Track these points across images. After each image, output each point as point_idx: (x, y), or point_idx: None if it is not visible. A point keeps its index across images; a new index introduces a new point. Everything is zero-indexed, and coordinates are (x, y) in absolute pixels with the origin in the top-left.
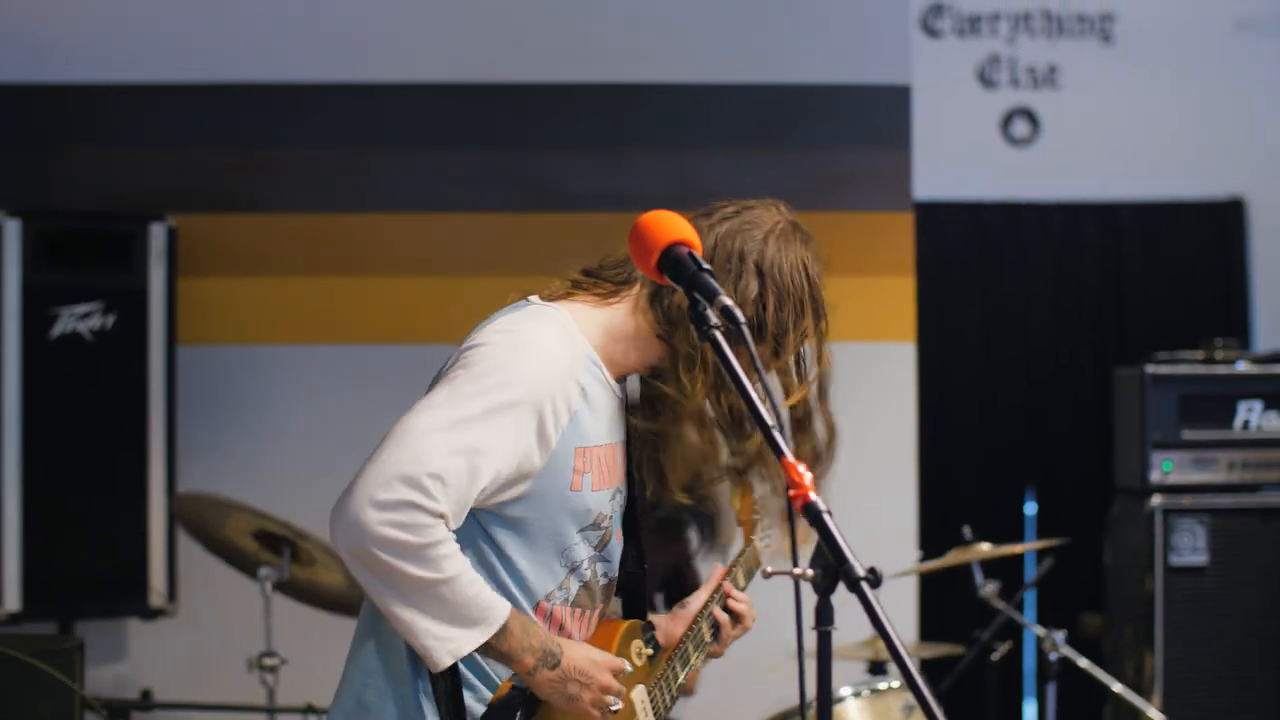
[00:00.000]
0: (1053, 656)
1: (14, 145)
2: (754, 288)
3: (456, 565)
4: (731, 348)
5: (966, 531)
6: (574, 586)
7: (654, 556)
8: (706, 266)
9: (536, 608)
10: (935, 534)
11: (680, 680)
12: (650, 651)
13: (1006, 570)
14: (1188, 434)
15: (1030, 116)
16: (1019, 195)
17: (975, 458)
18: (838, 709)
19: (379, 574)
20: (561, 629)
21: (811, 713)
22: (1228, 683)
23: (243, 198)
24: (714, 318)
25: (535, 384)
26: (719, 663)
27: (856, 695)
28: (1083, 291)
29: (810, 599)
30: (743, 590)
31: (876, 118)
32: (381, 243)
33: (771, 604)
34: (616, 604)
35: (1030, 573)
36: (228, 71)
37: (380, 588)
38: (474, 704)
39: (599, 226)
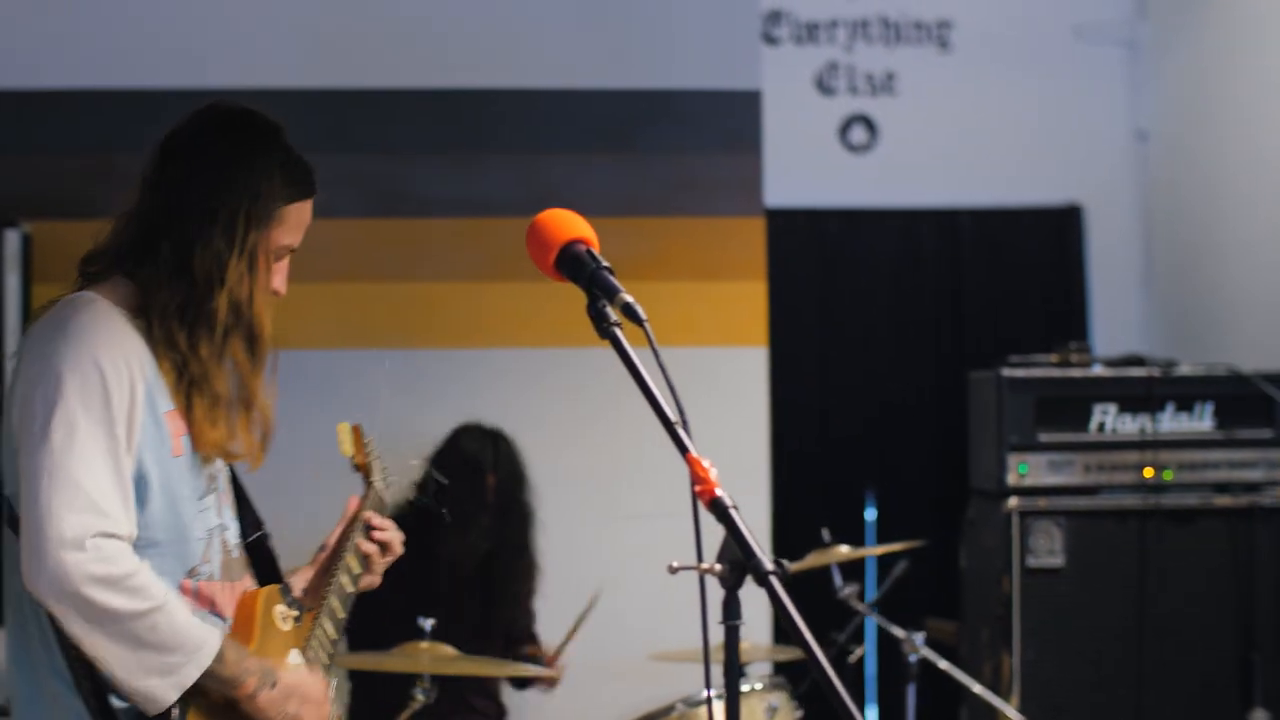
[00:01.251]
0: (912, 658)
1: None
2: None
3: (161, 590)
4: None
5: (825, 534)
6: (216, 558)
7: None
8: (605, 264)
9: (182, 589)
10: (779, 538)
11: (334, 635)
12: (295, 613)
13: (848, 575)
14: (1044, 436)
15: (868, 123)
16: (858, 202)
17: (815, 465)
18: (699, 711)
19: (91, 617)
20: (214, 605)
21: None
22: (1085, 683)
23: (96, 204)
24: (614, 315)
25: (94, 360)
26: (580, 664)
27: (720, 697)
28: (922, 297)
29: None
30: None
31: (727, 122)
32: None
33: (632, 607)
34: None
35: (871, 578)
36: (78, 78)
37: (95, 634)
38: (120, 702)
39: (451, 232)
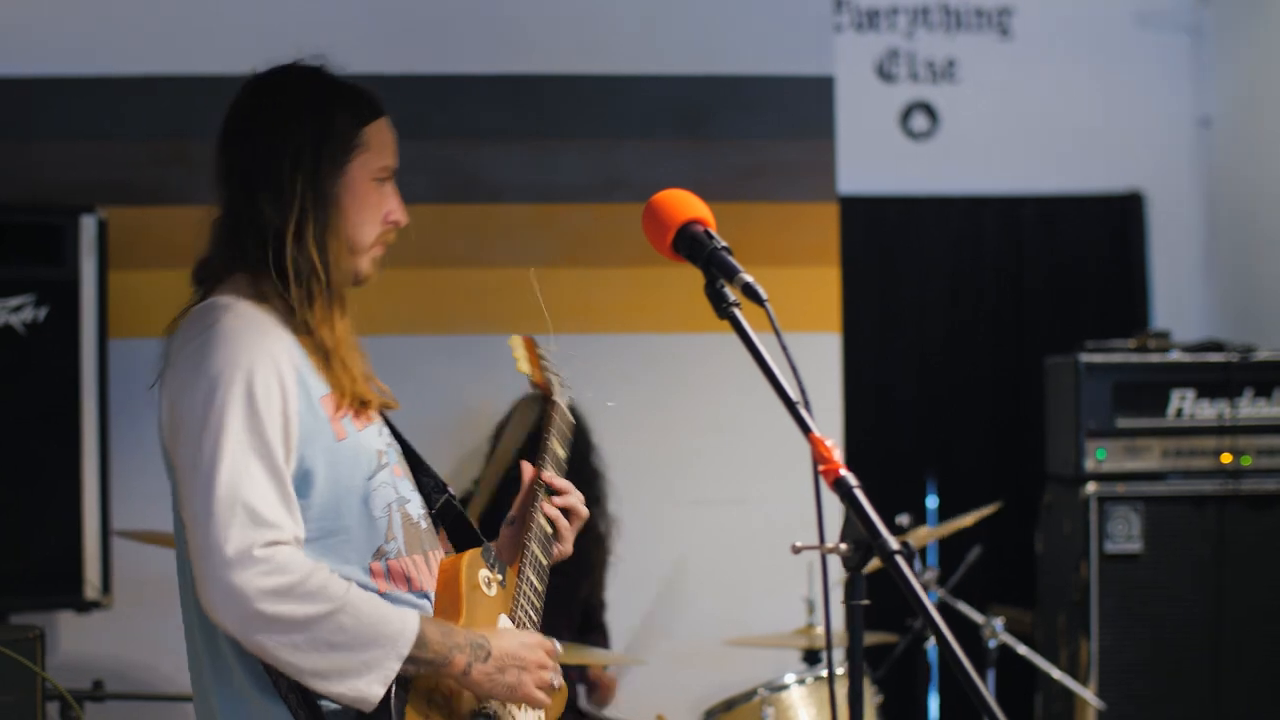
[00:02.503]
0: (991, 644)
1: None
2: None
3: (340, 587)
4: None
5: (903, 519)
6: (399, 534)
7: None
8: (723, 244)
9: (370, 570)
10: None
11: (540, 589)
12: (499, 576)
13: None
14: (1122, 422)
15: (929, 110)
16: (918, 189)
17: (875, 450)
18: (781, 696)
19: (277, 632)
20: (409, 581)
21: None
22: (1162, 669)
23: (171, 190)
24: (732, 295)
25: (241, 366)
26: (654, 649)
27: (800, 682)
28: (983, 285)
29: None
30: (565, 460)
31: (799, 109)
32: None
33: (704, 593)
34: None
35: (933, 563)
36: (152, 64)
37: (282, 651)
38: (331, 704)
39: (521, 217)
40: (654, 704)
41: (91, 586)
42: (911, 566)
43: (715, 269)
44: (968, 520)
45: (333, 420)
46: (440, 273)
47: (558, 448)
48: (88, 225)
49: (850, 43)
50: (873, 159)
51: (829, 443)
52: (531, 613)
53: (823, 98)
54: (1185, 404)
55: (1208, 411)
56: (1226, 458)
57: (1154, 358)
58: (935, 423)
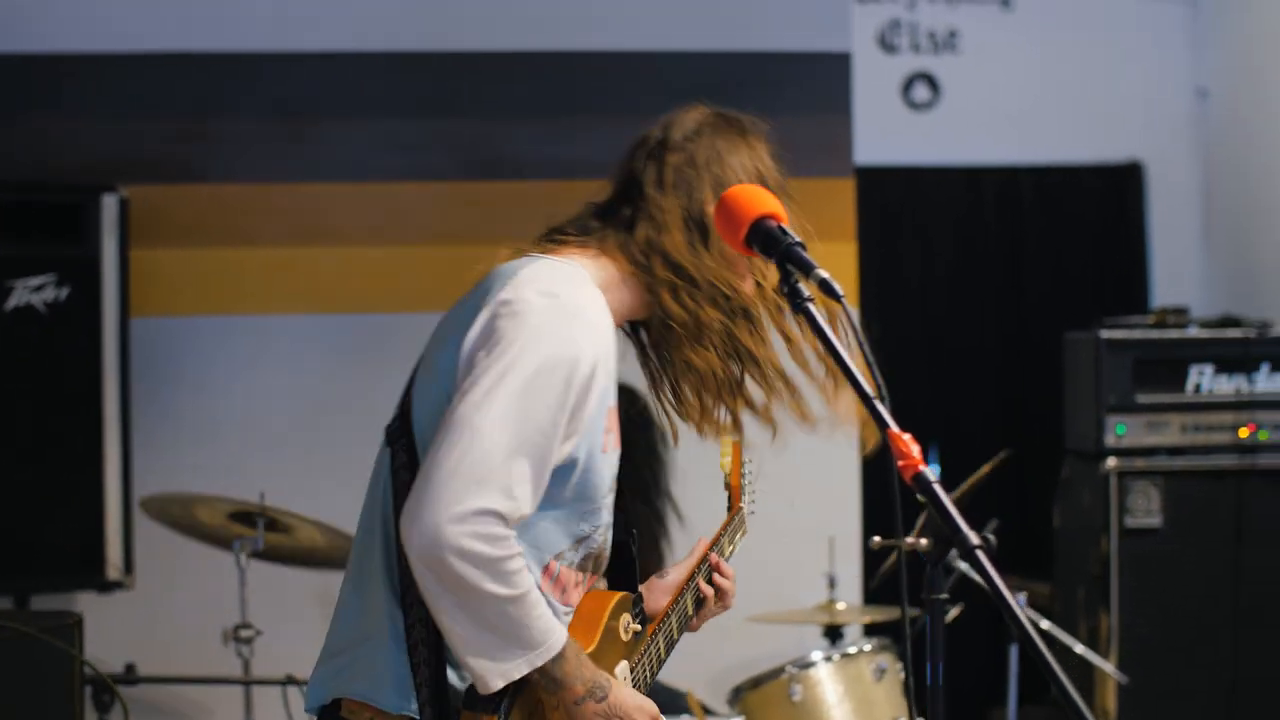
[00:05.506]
0: None
1: None
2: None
3: (526, 581)
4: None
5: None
6: (582, 549)
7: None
8: (798, 240)
9: (545, 567)
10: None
11: (664, 657)
12: (638, 627)
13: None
14: (1141, 398)
15: (930, 81)
16: (920, 160)
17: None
18: (809, 673)
19: (449, 585)
20: (565, 591)
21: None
22: (1183, 643)
23: (192, 168)
24: (806, 290)
25: (588, 356)
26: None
27: (828, 660)
28: (983, 254)
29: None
30: (728, 559)
31: (817, 85)
32: (331, 212)
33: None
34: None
35: None
36: (175, 41)
37: (446, 601)
38: (456, 680)
39: (545, 194)
40: (677, 681)
41: (114, 567)
42: (994, 561)
43: (791, 264)
44: (984, 470)
45: (606, 431)
46: (464, 250)
47: (726, 544)
48: (109, 204)
49: (852, 13)
50: (875, 130)
51: (907, 438)
52: (649, 673)
53: (840, 74)
54: (1204, 379)
55: (1226, 387)
56: (1244, 432)
57: (1173, 334)
58: (935, 393)
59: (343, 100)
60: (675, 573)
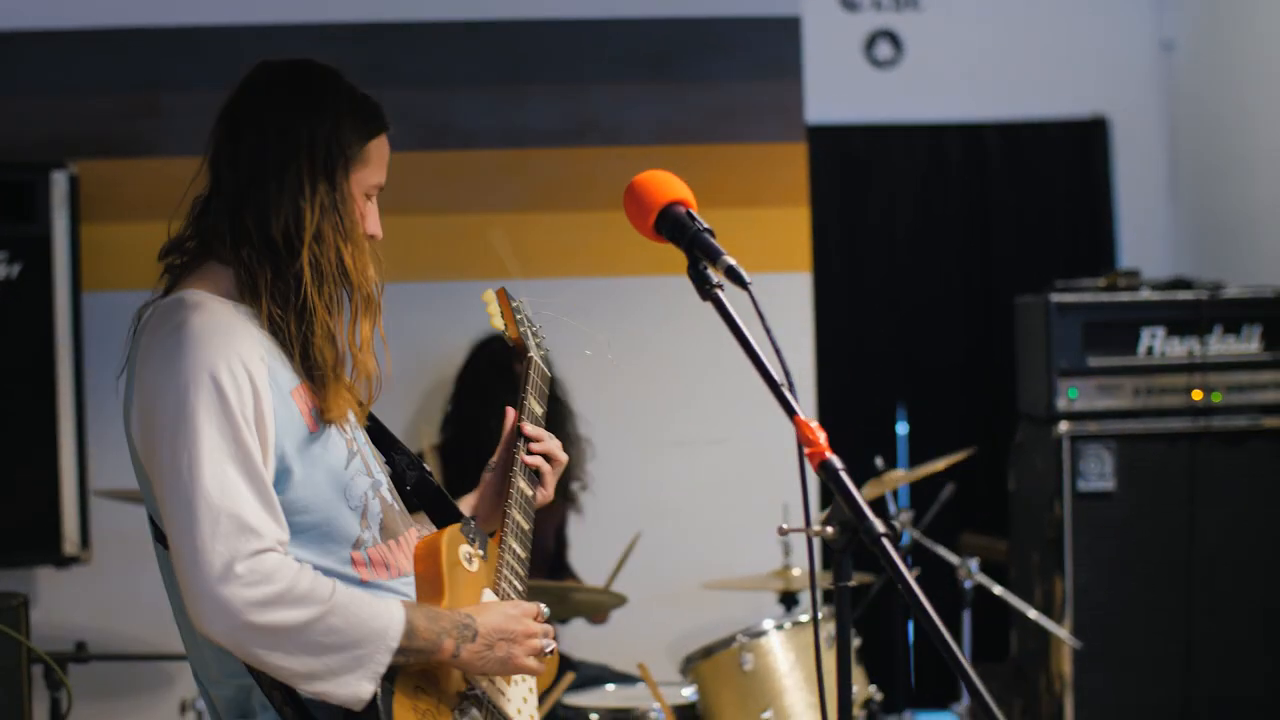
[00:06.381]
0: (967, 584)
1: None
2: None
3: (326, 589)
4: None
5: (879, 461)
6: (371, 522)
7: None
8: (706, 226)
9: (353, 560)
10: None
11: (524, 556)
12: (481, 551)
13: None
14: (1093, 361)
15: (893, 39)
16: (884, 118)
17: (845, 383)
18: (760, 642)
19: (268, 640)
20: (389, 566)
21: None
22: (1137, 605)
23: (141, 142)
24: (716, 277)
25: (210, 368)
26: (633, 592)
27: (779, 628)
28: (949, 211)
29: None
30: (542, 415)
31: (767, 49)
32: None
33: (681, 534)
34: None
35: (904, 500)
36: (121, 16)
37: (274, 658)
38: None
39: (496, 163)
40: (633, 648)
41: (70, 542)
42: (897, 549)
43: (698, 251)
44: (939, 465)
45: (305, 414)
46: (413, 220)
47: (534, 404)
48: (59, 181)
49: None
50: (838, 88)
51: (814, 424)
52: (516, 581)
53: (790, 38)
54: (1156, 342)
55: (1178, 349)
56: (1197, 395)
57: (1124, 296)
58: (902, 351)
59: None
60: (489, 473)
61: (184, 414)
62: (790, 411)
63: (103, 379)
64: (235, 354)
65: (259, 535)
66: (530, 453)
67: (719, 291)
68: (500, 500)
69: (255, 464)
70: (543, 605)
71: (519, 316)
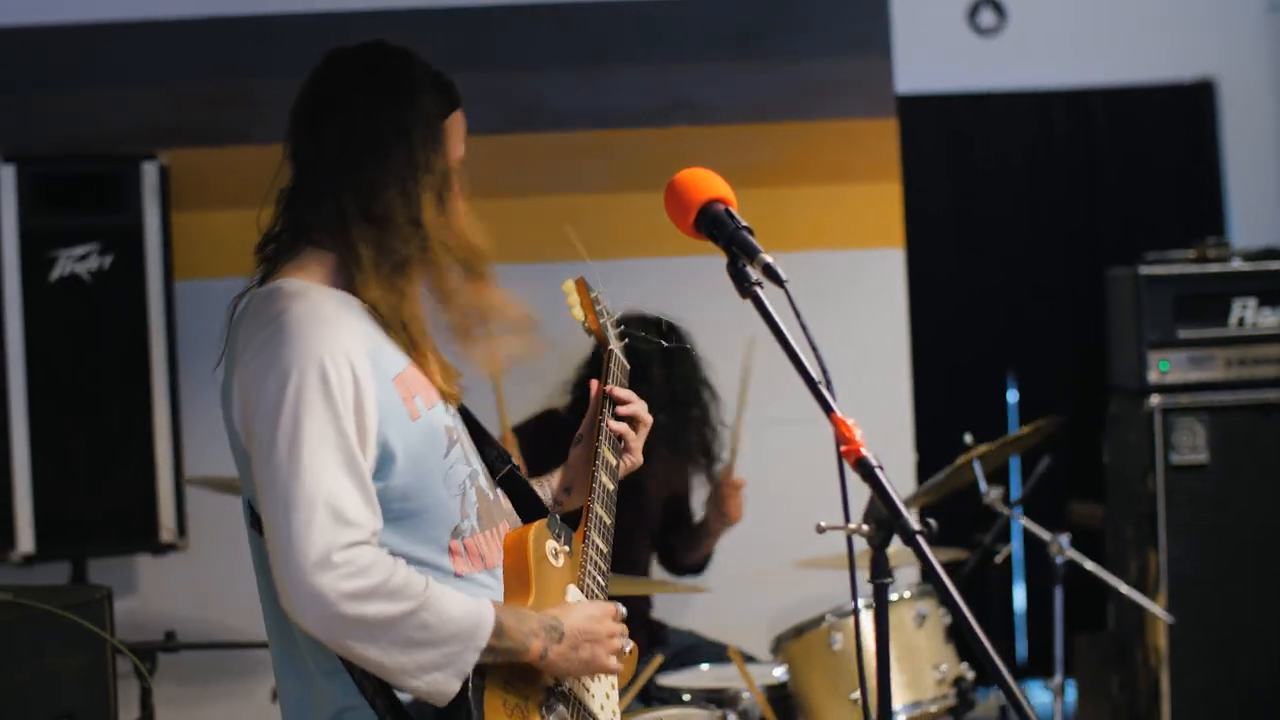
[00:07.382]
0: (1059, 560)
1: (1, 89)
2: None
3: (420, 585)
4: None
5: (968, 438)
6: (473, 510)
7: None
8: (744, 224)
9: (450, 550)
10: (922, 434)
11: (605, 550)
12: (566, 547)
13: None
14: (1183, 333)
15: (996, 5)
16: (988, 86)
17: (950, 354)
18: (848, 621)
19: (360, 633)
20: (484, 557)
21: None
22: (1231, 578)
23: (231, 131)
24: (755, 274)
25: (313, 357)
26: (726, 571)
27: (869, 608)
28: (1055, 180)
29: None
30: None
31: (854, 25)
32: None
33: (776, 513)
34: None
35: (1015, 474)
36: (208, 5)
37: (366, 650)
38: (406, 695)
39: (582, 145)
40: (726, 628)
41: (167, 529)
42: (932, 545)
43: (737, 249)
44: (1024, 430)
45: (407, 400)
46: (500, 203)
47: (613, 389)
48: (149, 171)
49: None
50: (940, 56)
51: (850, 422)
52: (599, 577)
53: (878, 11)
54: (1247, 313)
55: (1270, 319)
56: None
57: (1214, 267)
58: (1011, 322)
59: None
60: (578, 446)
61: (284, 402)
62: (827, 409)
63: (196, 367)
64: (336, 343)
65: (356, 526)
66: (617, 416)
67: (758, 289)
68: (587, 468)
69: (354, 454)
70: (620, 605)
71: (598, 308)
